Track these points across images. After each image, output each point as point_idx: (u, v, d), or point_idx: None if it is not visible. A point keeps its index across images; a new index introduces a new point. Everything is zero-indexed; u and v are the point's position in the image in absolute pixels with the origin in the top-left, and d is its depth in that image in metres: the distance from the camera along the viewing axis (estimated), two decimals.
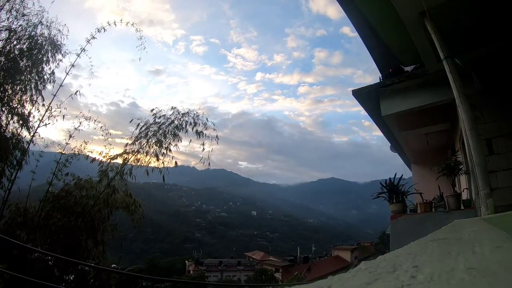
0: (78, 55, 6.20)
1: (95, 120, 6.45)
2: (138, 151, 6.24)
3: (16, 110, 5.70)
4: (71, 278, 5.81)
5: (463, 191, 5.22)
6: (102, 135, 6.50)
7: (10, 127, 5.64)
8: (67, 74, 6.15)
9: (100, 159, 6.42)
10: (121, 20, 6.44)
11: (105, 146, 6.45)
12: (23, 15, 5.85)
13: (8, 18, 5.70)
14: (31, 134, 5.78)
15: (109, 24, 6.32)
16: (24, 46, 5.80)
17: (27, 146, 5.73)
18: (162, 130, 6.33)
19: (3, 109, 5.56)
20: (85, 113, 6.38)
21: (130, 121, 6.53)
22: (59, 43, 6.17)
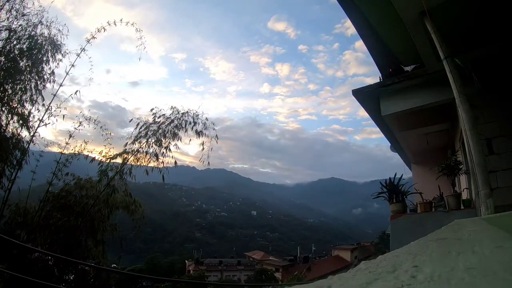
0: (78, 55, 6.21)
1: (94, 120, 6.49)
2: (137, 151, 6.25)
3: (16, 110, 5.70)
4: (71, 278, 5.81)
5: (463, 191, 5.22)
6: (102, 135, 6.52)
7: (10, 127, 5.65)
8: (67, 74, 6.16)
9: (100, 159, 6.43)
10: (121, 20, 6.46)
11: (105, 146, 6.47)
12: (23, 14, 5.84)
13: (8, 18, 5.70)
14: (31, 134, 5.78)
15: (109, 24, 6.34)
16: (24, 46, 5.79)
17: (27, 146, 5.73)
18: (162, 129, 6.33)
19: (3, 109, 5.56)
20: (82, 114, 6.42)
21: (130, 121, 6.56)
22: (59, 43, 6.18)
